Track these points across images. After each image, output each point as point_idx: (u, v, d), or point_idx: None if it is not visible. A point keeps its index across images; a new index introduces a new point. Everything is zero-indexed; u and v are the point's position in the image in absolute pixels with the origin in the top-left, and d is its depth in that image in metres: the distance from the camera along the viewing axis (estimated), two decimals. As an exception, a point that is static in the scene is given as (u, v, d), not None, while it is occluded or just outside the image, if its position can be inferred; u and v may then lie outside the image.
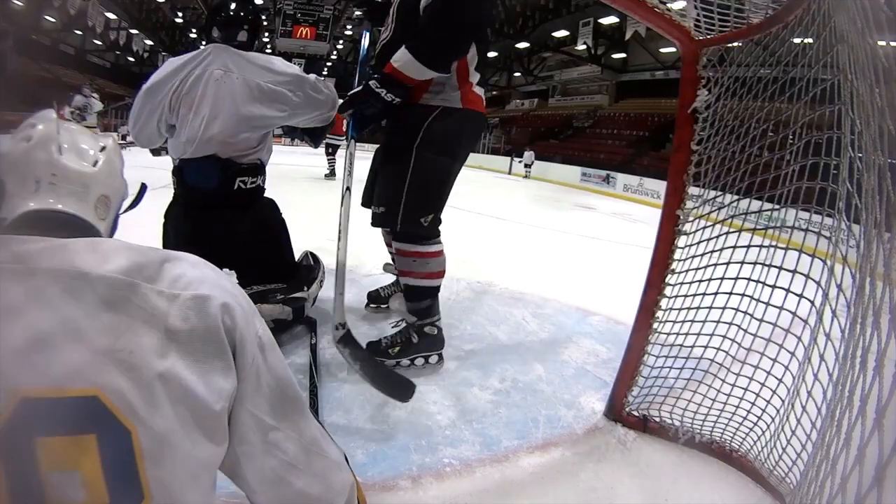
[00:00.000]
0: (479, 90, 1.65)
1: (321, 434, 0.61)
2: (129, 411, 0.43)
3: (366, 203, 1.82)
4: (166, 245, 1.70)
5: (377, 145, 1.90)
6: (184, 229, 1.68)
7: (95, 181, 0.58)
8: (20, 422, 0.40)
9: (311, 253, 2.18)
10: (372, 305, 2.23)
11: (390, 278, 2.30)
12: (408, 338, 1.70)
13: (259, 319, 0.56)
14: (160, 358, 0.45)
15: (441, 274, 1.71)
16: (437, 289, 1.73)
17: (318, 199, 5.85)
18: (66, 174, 0.55)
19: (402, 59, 1.46)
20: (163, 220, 1.74)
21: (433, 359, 1.73)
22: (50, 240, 0.48)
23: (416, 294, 1.71)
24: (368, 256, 2.73)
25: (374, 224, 1.70)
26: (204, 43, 1.75)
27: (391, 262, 2.00)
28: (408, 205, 1.59)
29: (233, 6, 1.71)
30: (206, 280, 0.51)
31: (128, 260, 0.48)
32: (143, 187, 0.75)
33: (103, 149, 0.60)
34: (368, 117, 1.58)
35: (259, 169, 1.76)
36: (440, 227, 1.70)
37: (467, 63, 1.59)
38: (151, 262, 0.50)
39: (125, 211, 0.67)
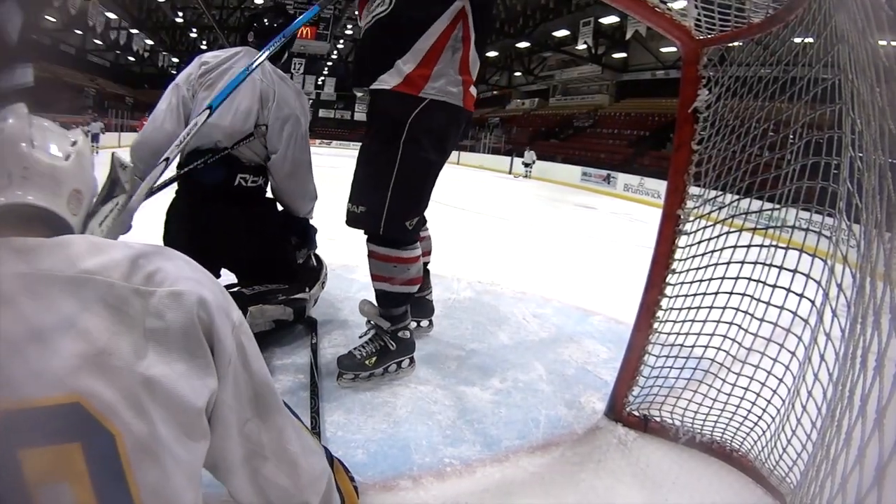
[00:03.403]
0: (473, 91, 1.53)
1: (292, 425, 0.62)
2: (113, 415, 0.42)
3: None
4: (167, 240, 1.71)
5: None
6: (184, 224, 1.70)
7: (68, 175, 0.56)
8: (1, 435, 0.39)
9: (315, 253, 2.17)
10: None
11: None
12: (383, 345, 1.59)
13: (236, 311, 0.56)
14: (139, 359, 0.45)
15: (420, 279, 1.62)
16: (413, 294, 1.64)
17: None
18: (38, 167, 0.53)
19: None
20: (165, 215, 1.75)
21: (405, 363, 1.64)
22: (15, 240, 0.46)
23: (392, 300, 1.60)
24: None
25: (350, 224, 1.53)
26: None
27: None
28: (393, 207, 1.44)
29: (278, 20, 1.79)
30: (181, 275, 0.50)
31: (100, 258, 0.47)
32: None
33: (74, 143, 0.59)
34: None
35: (262, 170, 1.76)
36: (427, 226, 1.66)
37: (469, 65, 1.46)
38: (125, 259, 0.49)
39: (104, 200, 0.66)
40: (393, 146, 1.41)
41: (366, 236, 1.58)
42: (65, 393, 0.41)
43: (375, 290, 1.62)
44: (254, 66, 1.40)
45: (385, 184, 1.43)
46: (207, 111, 1.34)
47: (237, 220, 1.73)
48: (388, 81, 1.41)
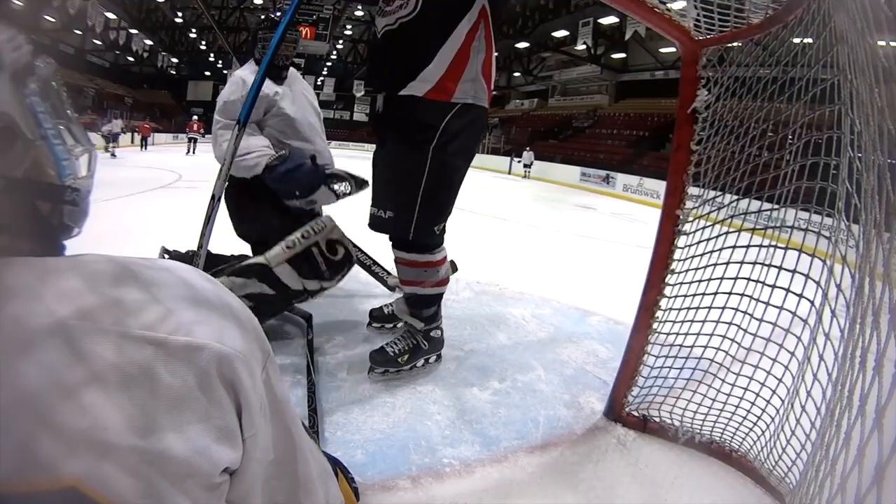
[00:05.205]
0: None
1: (314, 458, 0.58)
2: (118, 497, 0.35)
3: None
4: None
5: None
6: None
7: None
8: None
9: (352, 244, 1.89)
10: (375, 325, 1.99)
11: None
12: (416, 343, 1.66)
13: (265, 347, 0.47)
14: (146, 431, 0.37)
15: (448, 280, 1.67)
16: (443, 294, 1.70)
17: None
18: None
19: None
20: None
21: (432, 358, 1.72)
22: None
23: (424, 302, 1.65)
24: (371, 255, 2.73)
25: (374, 228, 1.52)
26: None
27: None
28: (423, 212, 1.44)
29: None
30: (201, 318, 0.41)
31: (98, 292, 0.38)
32: None
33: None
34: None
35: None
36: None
37: (491, 65, 1.45)
38: (131, 293, 0.39)
39: None
40: (422, 151, 1.40)
41: (391, 242, 1.59)
42: (58, 476, 0.34)
43: (406, 294, 1.68)
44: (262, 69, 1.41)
45: (414, 190, 1.42)
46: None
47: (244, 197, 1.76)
48: (418, 88, 1.38)
